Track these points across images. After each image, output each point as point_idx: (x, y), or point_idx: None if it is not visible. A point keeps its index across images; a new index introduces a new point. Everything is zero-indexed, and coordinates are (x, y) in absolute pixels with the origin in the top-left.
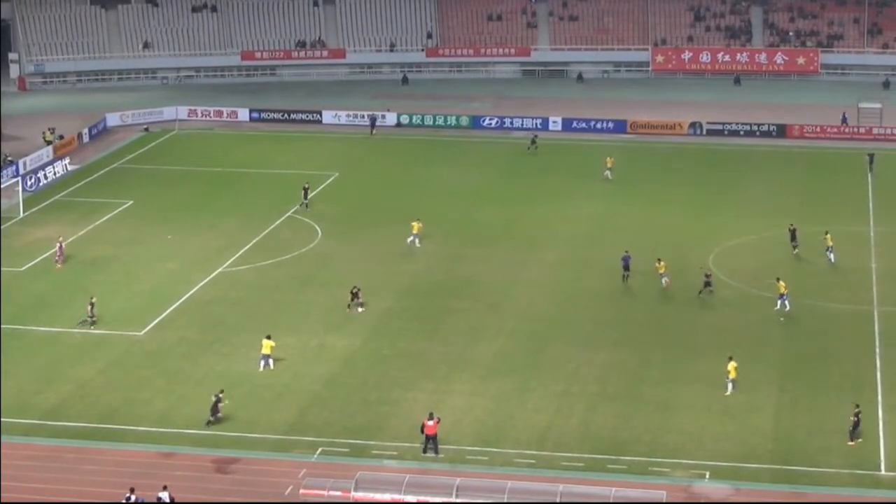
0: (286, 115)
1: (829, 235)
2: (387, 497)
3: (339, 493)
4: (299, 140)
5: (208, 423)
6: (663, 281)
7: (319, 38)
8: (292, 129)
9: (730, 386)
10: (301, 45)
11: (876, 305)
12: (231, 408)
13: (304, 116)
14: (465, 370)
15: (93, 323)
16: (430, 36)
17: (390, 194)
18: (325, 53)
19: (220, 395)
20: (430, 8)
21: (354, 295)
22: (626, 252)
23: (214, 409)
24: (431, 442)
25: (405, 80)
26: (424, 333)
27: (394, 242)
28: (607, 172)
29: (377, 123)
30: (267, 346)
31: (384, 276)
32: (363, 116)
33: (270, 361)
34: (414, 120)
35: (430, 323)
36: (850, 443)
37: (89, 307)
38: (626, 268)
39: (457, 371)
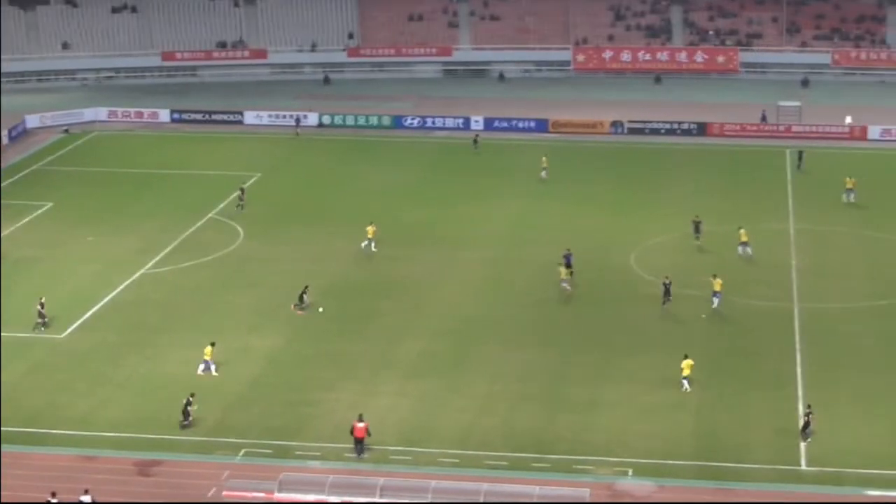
0: (207, 115)
1: (743, 231)
2: (310, 498)
3: (262, 495)
4: (221, 141)
5: (182, 426)
6: (564, 286)
7: (240, 38)
8: (214, 129)
9: (685, 383)
10: (222, 45)
11: (796, 302)
12: (153, 410)
13: (225, 117)
14: (390, 370)
15: (45, 325)
16: (351, 36)
17: (313, 195)
18: (246, 54)
19: (191, 399)
20: (352, 8)
21: (302, 295)
22: (568, 250)
23: (185, 413)
24: (359, 444)
25: (327, 81)
26: (348, 334)
27: (316, 243)
28: (543, 172)
29: (301, 123)
30: (208, 352)
31: (307, 277)
32: (285, 117)
33: (212, 366)
34: (336, 120)
35: (354, 323)
36: (802, 443)
37: (39, 307)
38: (569, 265)
39: (381, 371)
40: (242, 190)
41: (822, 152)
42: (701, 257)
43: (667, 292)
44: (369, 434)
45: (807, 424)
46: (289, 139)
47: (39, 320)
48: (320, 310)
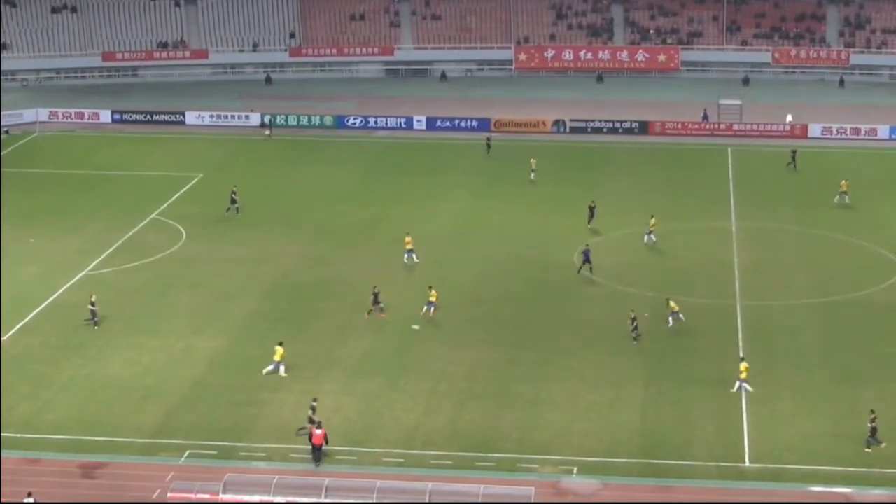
0: (149, 116)
1: (653, 220)
2: (255, 498)
3: (207, 496)
4: (162, 141)
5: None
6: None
7: (181, 38)
8: (155, 130)
9: (745, 386)
10: (163, 45)
11: (738, 299)
12: (96, 412)
13: (166, 117)
14: (333, 370)
15: (95, 323)
16: (293, 36)
17: (255, 195)
18: (187, 54)
19: (314, 405)
20: (293, 8)
21: (375, 298)
22: (587, 245)
23: (309, 420)
24: (317, 452)
25: (269, 81)
26: (291, 334)
27: (260, 243)
28: (532, 174)
29: (268, 123)
30: (279, 353)
31: (249, 278)
32: (227, 117)
33: (282, 367)
34: (278, 120)
35: (297, 323)
36: (867, 449)
37: (90, 306)
38: (587, 260)
39: (324, 371)
40: (234, 192)
41: (762, 150)
42: (643, 255)
43: (634, 328)
44: (327, 442)
45: (874, 430)
46: (230, 140)
47: (90, 319)
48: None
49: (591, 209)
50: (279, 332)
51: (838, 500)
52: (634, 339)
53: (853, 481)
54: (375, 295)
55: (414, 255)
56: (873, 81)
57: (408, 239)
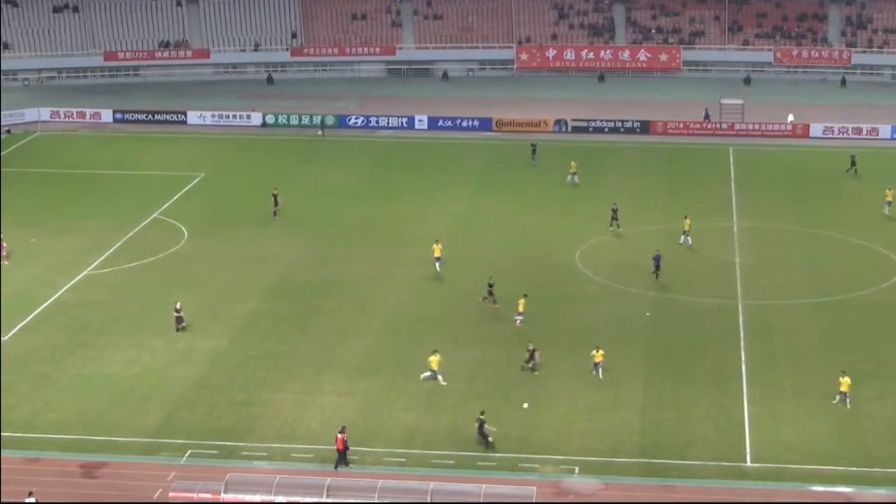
0: (150, 115)
1: (688, 220)
2: (257, 498)
3: (208, 496)
4: (164, 141)
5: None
6: (517, 321)
7: (183, 38)
8: (157, 129)
9: (846, 399)
10: (164, 45)
11: (740, 299)
12: (97, 411)
13: (168, 117)
14: (334, 370)
15: (181, 328)
16: (294, 35)
17: (257, 195)
18: (188, 53)
19: (482, 417)
20: (295, 7)
21: (490, 289)
22: (658, 251)
23: (482, 431)
24: (341, 456)
25: (270, 80)
26: (292, 334)
27: (261, 243)
28: (574, 177)
29: (326, 124)
30: (434, 361)
31: (251, 277)
32: (229, 116)
33: (439, 376)
34: (280, 120)
35: (298, 323)
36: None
37: (175, 312)
38: (658, 267)
39: (325, 371)
40: (275, 196)
41: (764, 150)
42: (644, 255)
43: (531, 359)
44: (347, 446)
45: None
46: (229, 139)
47: (177, 324)
48: (496, 305)
49: (614, 211)
50: (280, 331)
51: (839, 500)
52: (531, 369)
53: (854, 481)
54: (490, 286)
55: (438, 265)
56: (875, 81)
57: (436, 246)
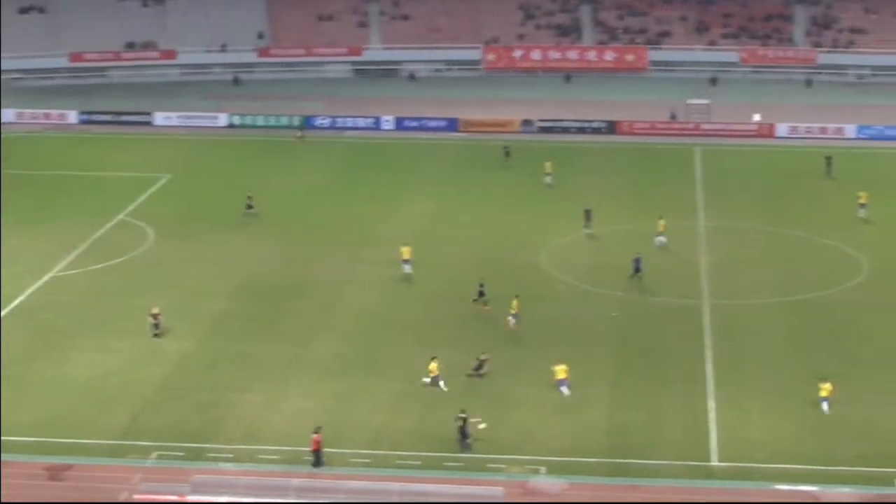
0: (117, 116)
1: (662, 221)
2: (223, 499)
3: (174, 497)
4: (130, 142)
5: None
6: (511, 321)
7: (150, 39)
8: (123, 131)
9: (824, 404)
10: (131, 46)
11: (706, 299)
12: (63, 414)
13: (134, 118)
14: (302, 371)
15: (157, 334)
16: (261, 36)
17: (224, 196)
18: (155, 54)
19: (463, 416)
20: (261, 8)
21: (481, 289)
22: (638, 254)
23: (463, 431)
24: (316, 456)
25: (237, 81)
26: (260, 335)
27: (227, 244)
28: (547, 178)
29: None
30: (434, 367)
31: (218, 279)
32: (195, 117)
33: (441, 382)
34: (246, 121)
35: (266, 324)
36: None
37: (151, 319)
38: (637, 270)
39: (293, 372)
40: (249, 198)
41: (730, 150)
42: (611, 255)
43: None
44: (321, 447)
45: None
46: (198, 140)
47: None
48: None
49: (587, 213)
50: (246, 332)
51: (805, 498)
52: (478, 376)
53: (820, 480)
54: (482, 287)
55: (409, 266)
56: (840, 81)
57: (405, 248)
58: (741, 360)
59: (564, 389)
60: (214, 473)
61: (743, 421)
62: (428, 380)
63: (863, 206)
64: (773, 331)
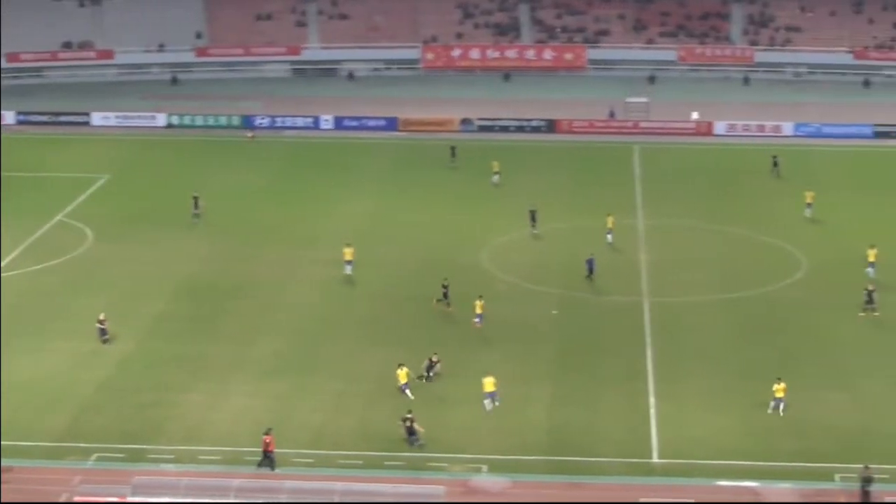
0: (54, 117)
1: (611, 218)
2: (164, 500)
3: (115, 499)
4: (68, 142)
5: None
6: (476, 322)
7: (86, 38)
8: (61, 131)
9: (779, 405)
10: (68, 46)
11: (646, 297)
12: (3, 416)
13: (72, 118)
14: (243, 371)
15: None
16: (199, 36)
17: (163, 196)
18: (92, 54)
19: (410, 416)
20: (199, 8)
21: (445, 290)
22: (591, 255)
23: (411, 430)
24: (267, 457)
25: (175, 81)
26: (200, 335)
27: (167, 244)
28: (495, 177)
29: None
30: (402, 375)
31: (158, 279)
32: (134, 117)
33: (408, 390)
34: (185, 121)
35: (206, 324)
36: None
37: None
38: (591, 271)
39: (234, 372)
40: (195, 198)
41: (669, 148)
42: (551, 253)
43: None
44: (270, 448)
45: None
46: (136, 140)
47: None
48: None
49: (532, 213)
50: (187, 333)
51: (746, 494)
52: (427, 379)
53: (760, 475)
54: (445, 287)
55: (350, 268)
56: (777, 79)
57: (347, 249)
58: (682, 357)
59: (487, 403)
60: (155, 475)
61: (684, 418)
62: (403, 386)
63: (809, 205)
64: (713, 327)
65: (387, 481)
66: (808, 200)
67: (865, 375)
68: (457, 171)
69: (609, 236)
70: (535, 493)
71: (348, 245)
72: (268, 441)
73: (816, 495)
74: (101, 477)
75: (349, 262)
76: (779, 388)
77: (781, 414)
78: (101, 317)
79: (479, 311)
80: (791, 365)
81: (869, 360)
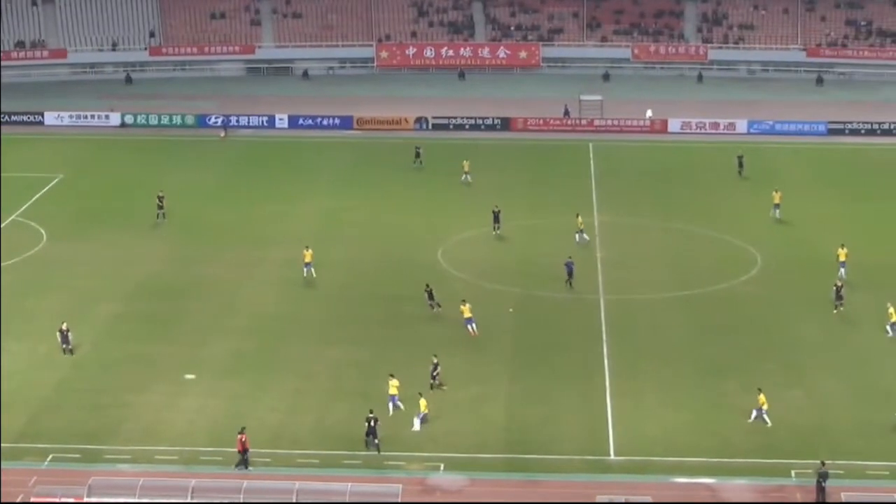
0: (7, 116)
1: (580, 218)
2: (121, 500)
3: (71, 500)
4: (21, 142)
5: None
6: (470, 328)
7: (39, 38)
8: (13, 131)
9: (763, 414)
10: (20, 45)
11: (602, 294)
12: None
13: (25, 118)
14: (199, 371)
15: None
16: (153, 35)
17: (118, 196)
18: (45, 53)
19: (372, 416)
20: (153, 6)
21: (430, 295)
22: (570, 258)
23: (373, 431)
24: (242, 457)
25: (129, 80)
26: (156, 335)
27: (122, 245)
28: (465, 176)
29: (229, 125)
30: (394, 385)
31: (113, 279)
32: (87, 117)
33: (399, 403)
34: (139, 120)
35: (162, 325)
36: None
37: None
38: (570, 274)
39: (190, 372)
40: (160, 198)
41: (624, 146)
42: (506, 252)
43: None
44: (246, 448)
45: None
46: (90, 141)
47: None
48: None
49: (496, 214)
50: (143, 333)
51: (703, 491)
52: (438, 385)
53: (716, 472)
54: (429, 292)
55: (312, 270)
56: (731, 76)
57: (307, 252)
58: (639, 354)
59: (391, 406)
60: (112, 475)
61: (641, 415)
62: (390, 403)
63: (777, 206)
64: (669, 325)
65: (344, 480)
66: (776, 201)
67: (822, 372)
68: (418, 170)
69: (577, 236)
70: (492, 492)
71: (307, 248)
72: (243, 440)
73: (773, 491)
74: (57, 478)
75: (308, 265)
76: (760, 399)
77: (768, 424)
78: (64, 326)
79: (467, 314)
80: (747, 362)
81: (825, 356)
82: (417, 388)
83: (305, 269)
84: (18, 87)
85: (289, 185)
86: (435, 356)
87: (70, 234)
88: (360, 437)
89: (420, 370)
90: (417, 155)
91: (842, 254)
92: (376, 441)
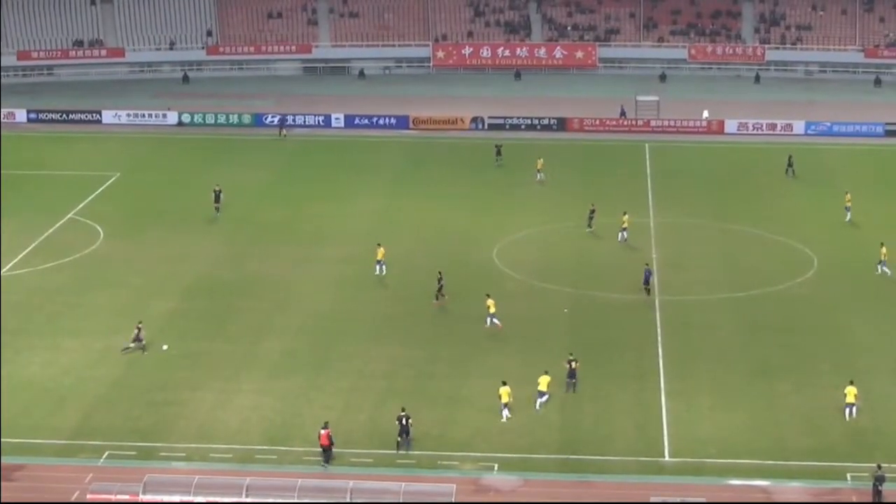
0: (65, 115)
1: (626, 216)
2: (175, 498)
3: (126, 497)
4: (79, 141)
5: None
6: (492, 322)
7: (97, 37)
8: (71, 129)
9: (853, 409)
10: (79, 44)
11: (657, 295)
12: (14, 413)
13: (83, 116)
14: (253, 369)
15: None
16: (210, 34)
17: (174, 194)
18: (103, 52)
19: (404, 414)
20: (210, 5)
21: (439, 285)
22: (647, 266)
23: (406, 428)
24: (326, 452)
25: (186, 79)
26: (210, 333)
27: (177, 243)
28: (539, 175)
29: (285, 125)
30: (504, 393)
31: (168, 277)
32: (144, 115)
33: (506, 411)
34: (196, 119)
35: (216, 322)
36: None
37: (135, 331)
38: (647, 282)
39: (244, 370)
40: (217, 192)
41: (680, 146)
42: (562, 251)
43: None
44: (332, 442)
45: None
46: (146, 138)
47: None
48: (437, 301)
49: (591, 212)
50: (198, 331)
51: (756, 493)
52: (573, 386)
53: (771, 474)
54: (440, 281)
55: (384, 267)
56: (788, 77)
57: (379, 249)
58: (692, 355)
59: (504, 413)
60: (166, 472)
61: (695, 416)
62: (504, 411)
63: (847, 208)
64: (724, 326)
65: (398, 480)
66: (847, 203)
67: (878, 374)
68: (470, 168)
69: (621, 234)
70: (545, 492)
71: (379, 245)
72: (328, 434)
73: (828, 494)
74: (112, 475)
75: (380, 262)
76: (850, 392)
77: (855, 417)
78: (139, 324)
79: (492, 309)
80: (803, 362)
81: (881, 358)
82: (469, 388)
83: (377, 267)
84: (77, 86)
85: (344, 184)
86: (571, 354)
87: (126, 232)
88: (414, 435)
89: (473, 367)
90: (499, 153)
91: (883, 252)
92: (409, 439)
